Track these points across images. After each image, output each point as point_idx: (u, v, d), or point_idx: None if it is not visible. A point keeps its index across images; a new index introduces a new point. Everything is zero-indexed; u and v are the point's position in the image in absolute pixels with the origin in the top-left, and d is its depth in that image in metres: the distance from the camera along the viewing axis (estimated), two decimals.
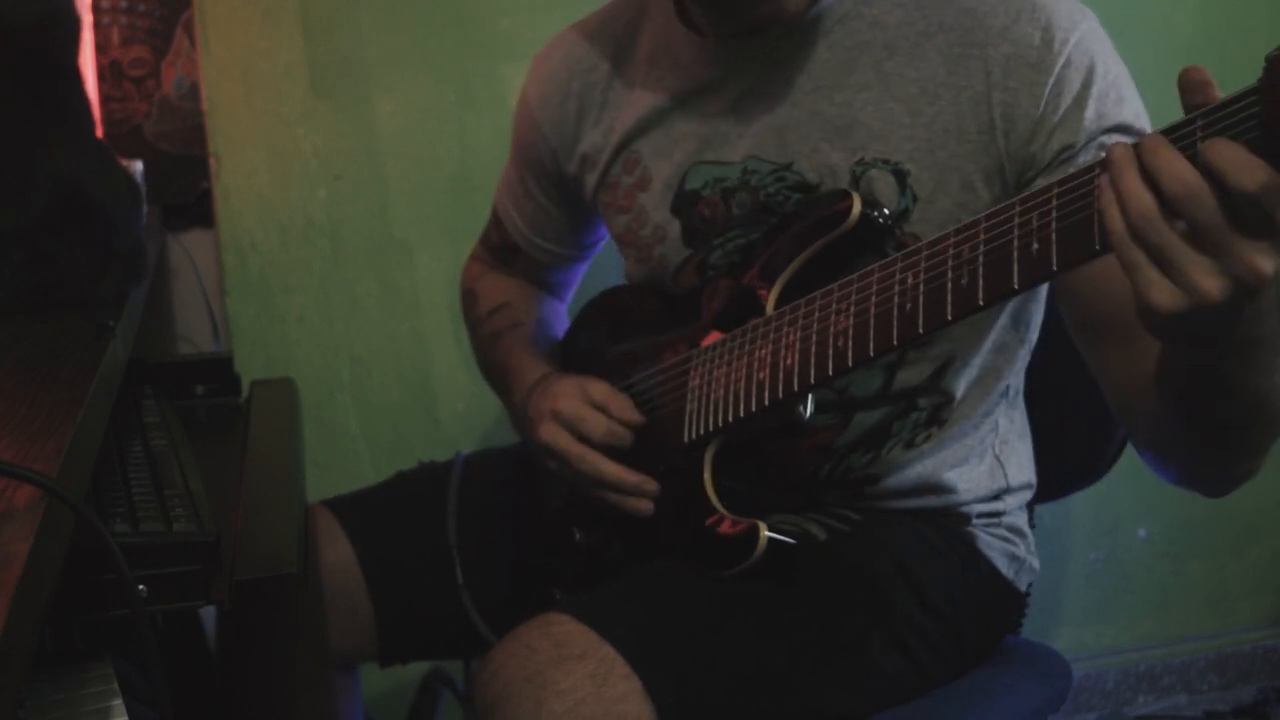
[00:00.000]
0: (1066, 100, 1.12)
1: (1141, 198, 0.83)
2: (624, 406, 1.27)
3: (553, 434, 1.28)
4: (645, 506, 1.24)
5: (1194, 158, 0.82)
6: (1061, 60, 1.12)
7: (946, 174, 1.16)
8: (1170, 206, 0.83)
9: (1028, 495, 1.34)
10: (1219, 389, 0.97)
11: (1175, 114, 0.86)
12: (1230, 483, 1.09)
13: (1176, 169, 0.82)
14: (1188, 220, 0.82)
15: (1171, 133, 0.84)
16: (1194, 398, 1.01)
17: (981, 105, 1.15)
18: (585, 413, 1.27)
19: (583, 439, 1.26)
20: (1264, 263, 0.81)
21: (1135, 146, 0.85)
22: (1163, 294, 0.84)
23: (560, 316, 1.55)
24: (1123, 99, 1.13)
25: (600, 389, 1.28)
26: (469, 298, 1.57)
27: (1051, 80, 1.12)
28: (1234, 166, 0.80)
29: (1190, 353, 0.94)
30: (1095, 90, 1.12)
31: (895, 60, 1.18)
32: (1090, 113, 1.11)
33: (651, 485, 1.24)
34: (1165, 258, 0.83)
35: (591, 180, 1.37)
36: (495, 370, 1.49)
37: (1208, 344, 0.90)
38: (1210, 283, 0.82)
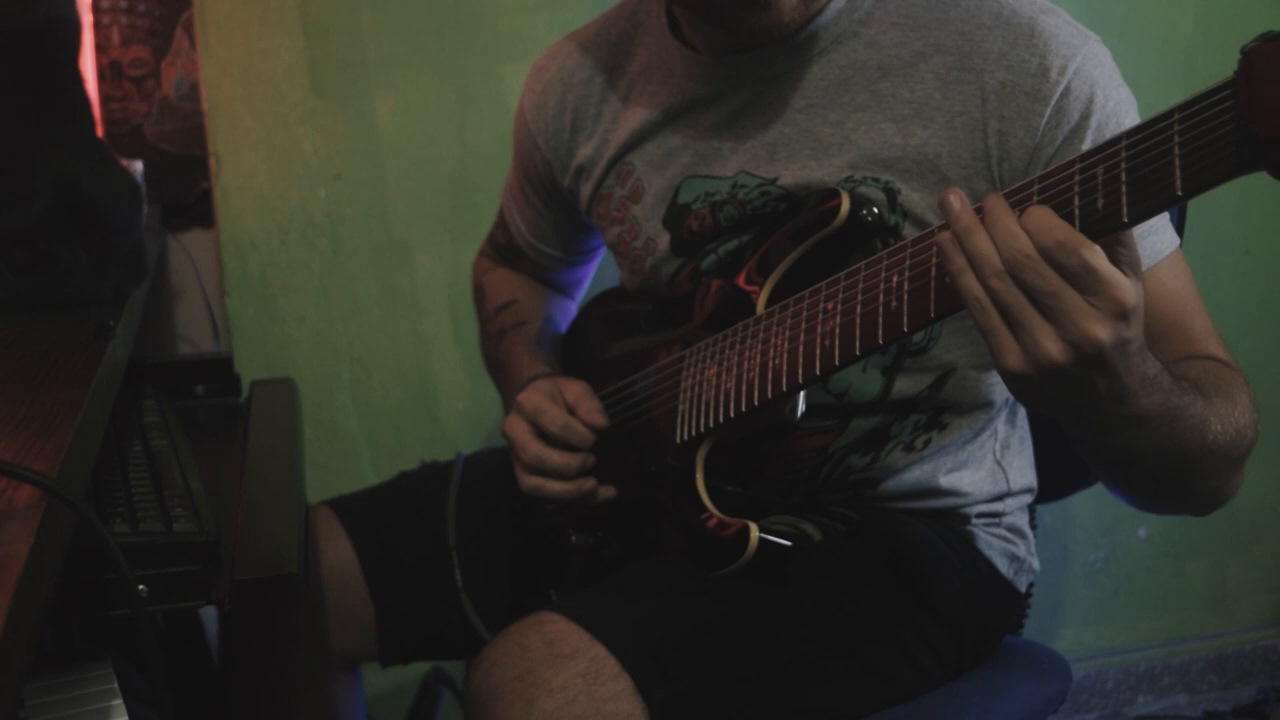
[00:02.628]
0: (1064, 131, 1.10)
1: (993, 258, 0.87)
2: (591, 409, 1.27)
3: (512, 424, 1.29)
4: (585, 488, 1.26)
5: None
6: (1060, 89, 1.10)
7: (938, 195, 1.15)
8: (1008, 270, 0.86)
9: (1028, 499, 1.34)
10: (1118, 458, 1.01)
11: None
12: (1202, 508, 1.11)
13: (1012, 231, 0.86)
14: (1022, 284, 0.86)
15: (1148, 127, 0.84)
16: (1101, 463, 1.05)
17: (976, 132, 1.13)
18: (546, 406, 1.27)
19: (540, 432, 1.27)
20: (1097, 329, 0.85)
21: (978, 209, 0.89)
22: (1012, 356, 0.88)
23: (569, 314, 1.56)
24: (1121, 129, 1.11)
25: (574, 389, 1.29)
26: (478, 293, 1.58)
27: (1049, 110, 1.10)
28: (1040, 230, 0.85)
29: (1067, 423, 0.98)
30: (1094, 121, 1.10)
31: (889, 81, 1.17)
32: (1088, 144, 1.09)
33: (591, 482, 1.27)
34: (1015, 319, 0.87)
35: (586, 191, 1.37)
36: (497, 368, 1.50)
37: (1073, 414, 0.93)
38: (1051, 346, 0.86)
